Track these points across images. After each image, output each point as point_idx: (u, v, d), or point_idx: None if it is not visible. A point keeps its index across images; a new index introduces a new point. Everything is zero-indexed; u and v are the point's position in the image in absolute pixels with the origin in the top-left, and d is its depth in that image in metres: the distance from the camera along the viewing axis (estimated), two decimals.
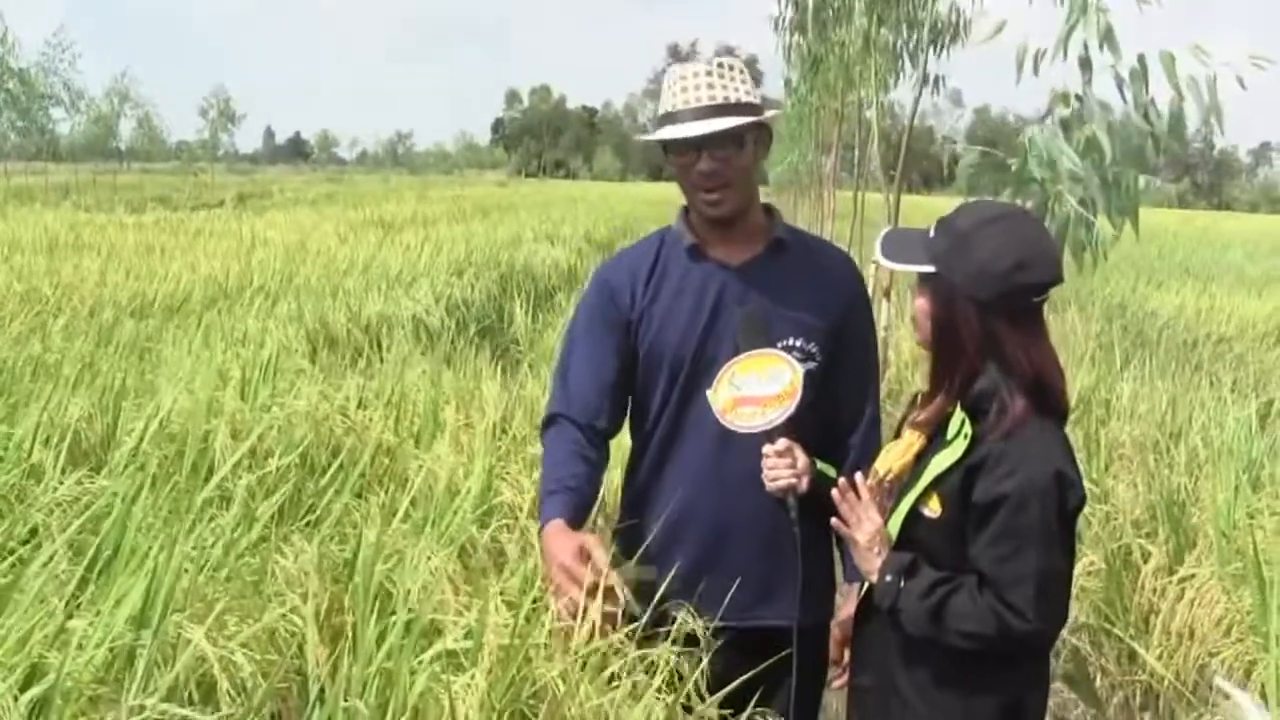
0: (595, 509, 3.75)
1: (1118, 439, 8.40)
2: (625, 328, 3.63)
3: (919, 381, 12.02)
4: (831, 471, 3.43)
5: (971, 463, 2.98)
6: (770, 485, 3.35)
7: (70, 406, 5.85)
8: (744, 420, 3.33)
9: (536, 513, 3.64)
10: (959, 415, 3.04)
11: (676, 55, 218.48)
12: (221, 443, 5.51)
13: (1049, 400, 3.03)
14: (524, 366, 9.61)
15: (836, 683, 3.66)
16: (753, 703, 3.40)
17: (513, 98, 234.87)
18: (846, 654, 3.59)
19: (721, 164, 3.43)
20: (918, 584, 3.03)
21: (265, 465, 5.25)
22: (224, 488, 4.94)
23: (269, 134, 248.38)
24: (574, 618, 3.25)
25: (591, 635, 3.25)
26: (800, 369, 3.33)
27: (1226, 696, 4.51)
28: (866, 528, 3.15)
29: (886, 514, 3.18)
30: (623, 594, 3.27)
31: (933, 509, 3.06)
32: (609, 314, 3.66)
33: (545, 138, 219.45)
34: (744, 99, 3.44)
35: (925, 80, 12.67)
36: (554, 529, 3.38)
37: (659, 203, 52.33)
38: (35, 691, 3.08)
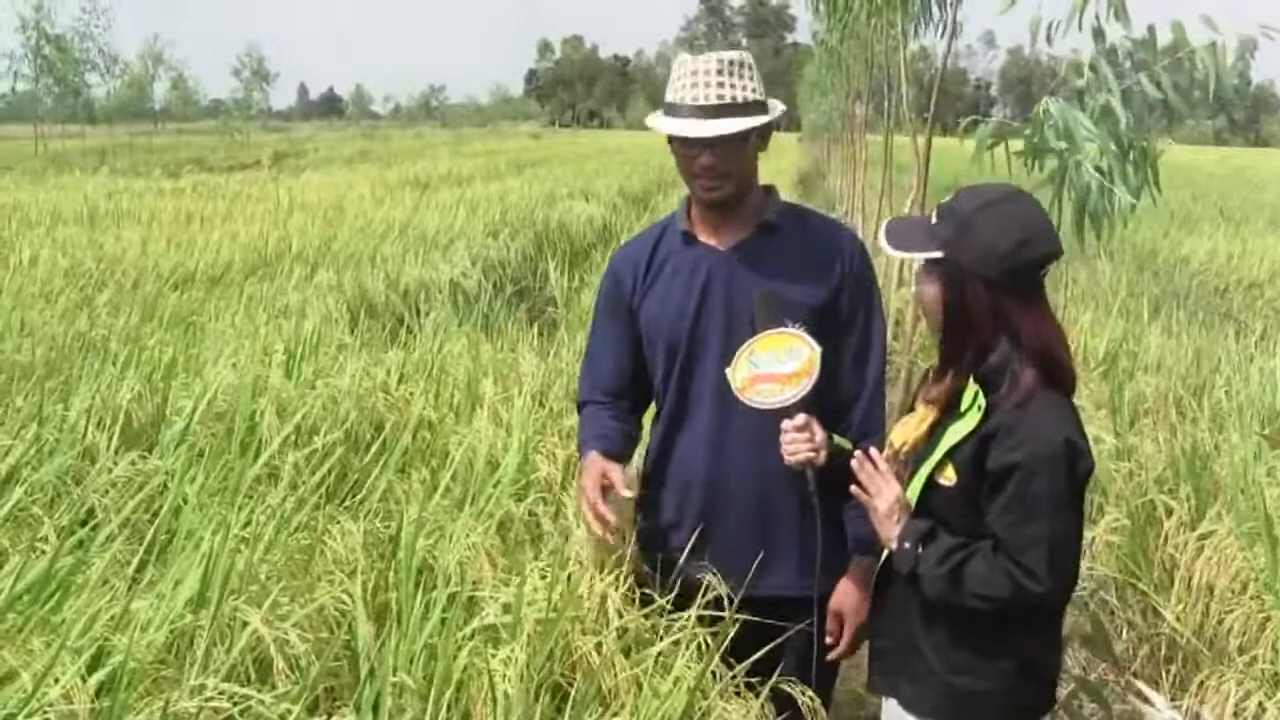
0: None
1: (1142, 393, 8.47)
2: (630, 315, 3.81)
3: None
4: (847, 444, 3.51)
5: (985, 433, 3.09)
6: (789, 459, 3.42)
7: (120, 387, 6.01)
8: (762, 397, 3.39)
9: (571, 486, 3.83)
10: (971, 388, 3.15)
11: (708, 3, 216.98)
12: (269, 421, 5.66)
13: (1056, 372, 3.14)
14: (560, 330, 9.70)
15: (831, 655, 3.77)
16: (765, 669, 3.57)
17: (545, 48, 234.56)
18: (842, 626, 3.73)
19: (721, 160, 3.54)
20: (935, 550, 3.15)
21: (311, 442, 5.40)
22: (272, 465, 5.10)
23: (303, 90, 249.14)
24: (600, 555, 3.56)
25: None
26: (818, 348, 3.39)
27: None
28: (886, 496, 3.25)
29: (903, 484, 3.28)
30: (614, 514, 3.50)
31: (948, 478, 3.17)
32: (617, 303, 3.84)
33: (578, 88, 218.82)
34: (750, 98, 3.54)
35: (950, 29, 12.60)
36: (589, 460, 3.61)
37: None
38: (102, 674, 3.24)
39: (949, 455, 3.17)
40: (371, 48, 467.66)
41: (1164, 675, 5.68)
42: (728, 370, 3.42)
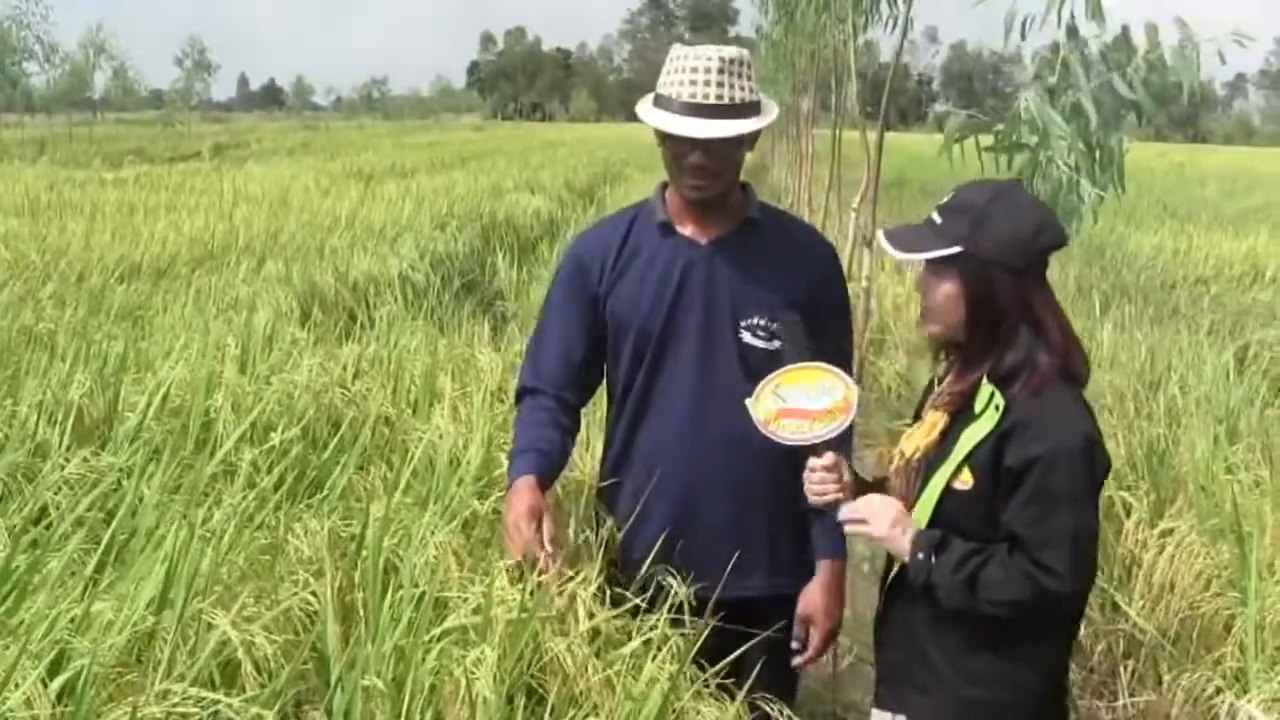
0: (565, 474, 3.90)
1: (1099, 389, 8.49)
2: (594, 302, 3.73)
3: (900, 330, 12.13)
4: (864, 475, 3.47)
5: (1002, 430, 3.05)
6: (816, 500, 3.34)
7: (71, 382, 5.90)
8: (789, 432, 3.29)
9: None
10: (986, 389, 3.11)
11: None
12: (224, 417, 5.57)
13: (1072, 363, 3.12)
14: (511, 325, 9.65)
15: (797, 660, 3.75)
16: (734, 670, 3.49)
17: (487, 40, 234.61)
18: (811, 631, 3.71)
19: (714, 160, 3.50)
20: (949, 558, 3.09)
21: (267, 439, 5.32)
22: (228, 462, 5.01)
23: (243, 81, 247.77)
24: (520, 568, 3.42)
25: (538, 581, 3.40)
26: (855, 387, 3.29)
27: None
28: (884, 513, 3.20)
29: (915, 493, 3.24)
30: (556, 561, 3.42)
31: (964, 481, 3.11)
32: (579, 289, 3.76)
33: (521, 80, 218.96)
34: (749, 98, 3.49)
35: (904, 24, 12.64)
36: (521, 484, 3.52)
37: (636, 145, 52.13)
38: (63, 678, 3.15)
39: (966, 458, 3.12)
40: (312, 39, 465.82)
41: (1122, 670, 5.67)
42: (748, 401, 3.31)
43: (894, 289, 13.81)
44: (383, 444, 5.57)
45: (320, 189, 22.59)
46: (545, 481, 3.58)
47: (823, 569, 3.70)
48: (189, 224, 15.49)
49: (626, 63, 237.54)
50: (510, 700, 3.27)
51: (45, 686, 3.10)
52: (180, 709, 3.11)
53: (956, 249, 3.08)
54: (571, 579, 3.51)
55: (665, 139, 3.53)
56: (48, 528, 4.30)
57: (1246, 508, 5.44)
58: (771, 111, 3.59)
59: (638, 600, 3.54)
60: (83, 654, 3.19)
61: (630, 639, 3.47)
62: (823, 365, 3.28)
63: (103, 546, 3.99)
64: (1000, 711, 3.24)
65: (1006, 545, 3.06)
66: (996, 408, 3.07)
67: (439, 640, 3.40)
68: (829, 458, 3.31)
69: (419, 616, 3.41)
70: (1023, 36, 5.42)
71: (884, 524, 3.20)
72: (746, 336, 3.60)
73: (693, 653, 3.37)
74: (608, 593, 3.61)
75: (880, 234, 3.25)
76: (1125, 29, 5.17)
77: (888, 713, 3.43)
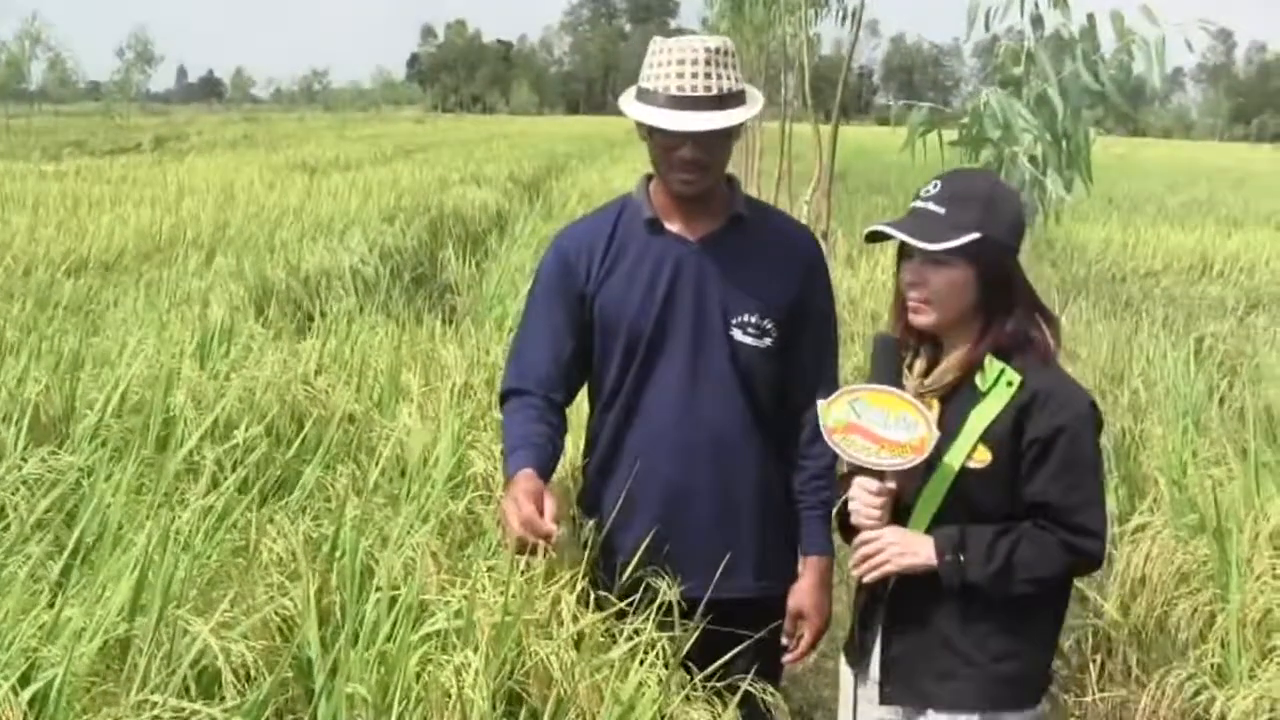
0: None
1: None
2: (580, 301, 3.65)
3: (856, 325, 12.06)
4: None
5: (1020, 404, 3.10)
6: (858, 521, 3.25)
7: (25, 378, 5.76)
8: (853, 449, 3.18)
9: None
10: (995, 365, 3.13)
11: None
12: (185, 415, 5.46)
13: (1054, 331, 3.23)
14: (466, 320, 9.55)
15: (787, 657, 3.73)
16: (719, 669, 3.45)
17: (428, 33, 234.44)
18: (802, 628, 3.68)
19: (704, 153, 3.44)
20: (975, 553, 3.11)
21: (230, 437, 5.21)
22: (191, 461, 4.91)
23: (181, 73, 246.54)
24: (519, 551, 3.35)
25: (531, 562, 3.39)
26: (936, 432, 3.13)
27: None
28: (893, 544, 3.20)
29: (919, 478, 3.21)
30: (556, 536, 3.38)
31: (979, 459, 3.13)
32: (565, 287, 3.67)
33: (461, 73, 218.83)
34: (735, 88, 3.43)
35: (858, 17, 12.65)
36: (519, 475, 3.43)
37: (579, 138, 52.14)
38: (34, 688, 3.05)
39: (981, 436, 3.14)
40: (251, 30, 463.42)
41: (1092, 665, 5.65)
42: (821, 403, 3.23)
43: (848, 283, 13.78)
44: (349, 442, 5.47)
45: (265, 182, 22.41)
46: (542, 474, 3.49)
47: (813, 566, 3.67)
48: (135, 217, 15.31)
49: (567, 55, 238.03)
50: (494, 706, 3.21)
51: (16, 696, 3.00)
52: None
53: (976, 235, 3.08)
54: (555, 582, 3.45)
55: (652, 133, 3.46)
56: (6, 529, 4.18)
57: (1225, 503, 5.40)
58: (758, 100, 3.52)
59: (622, 605, 3.48)
60: (54, 663, 3.10)
61: (616, 642, 3.41)
62: (911, 400, 3.15)
63: (68, 550, 3.88)
64: (1029, 681, 3.30)
65: (1030, 522, 3.12)
66: (1009, 383, 3.11)
67: (419, 645, 3.33)
68: (885, 487, 3.22)
69: (401, 621, 3.34)
70: (986, 28, 5.39)
71: (898, 551, 3.19)
72: (738, 334, 3.54)
73: (680, 656, 3.32)
74: (592, 595, 3.54)
75: (888, 229, 3.19)
76: (1091, 18, 5.15)
77: (897, 707, 3.37)
